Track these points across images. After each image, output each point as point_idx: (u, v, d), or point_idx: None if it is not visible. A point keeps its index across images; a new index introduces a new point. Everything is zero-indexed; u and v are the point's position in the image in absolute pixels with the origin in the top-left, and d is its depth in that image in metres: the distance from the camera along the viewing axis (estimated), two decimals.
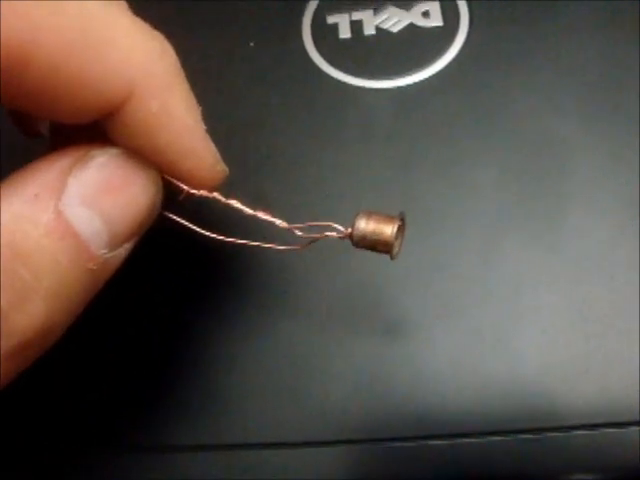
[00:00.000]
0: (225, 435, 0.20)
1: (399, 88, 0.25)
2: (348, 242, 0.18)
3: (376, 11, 0.27)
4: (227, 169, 0.18)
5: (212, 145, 0.17)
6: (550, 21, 0.26)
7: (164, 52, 0.16)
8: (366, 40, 0.27)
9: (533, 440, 0.19)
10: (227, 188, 0.18)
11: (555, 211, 0.22)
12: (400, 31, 0.27)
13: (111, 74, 0.15)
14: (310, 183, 0.24)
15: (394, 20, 0.27)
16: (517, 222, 0.22)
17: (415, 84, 0.25)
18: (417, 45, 0.26)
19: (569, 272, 0.21)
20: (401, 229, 0.18)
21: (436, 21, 0.27)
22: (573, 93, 0.24)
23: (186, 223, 0.18)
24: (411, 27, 0.27)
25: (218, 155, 0.17)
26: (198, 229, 0.18)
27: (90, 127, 0.16)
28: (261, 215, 0.18)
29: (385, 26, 0.27)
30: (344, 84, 0.26)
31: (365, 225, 0.17)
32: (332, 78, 0.26)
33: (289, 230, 0.18)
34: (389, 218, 0.17)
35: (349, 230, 0.17)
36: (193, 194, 0.17)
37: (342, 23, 0.27)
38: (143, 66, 0.15)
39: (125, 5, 0.16)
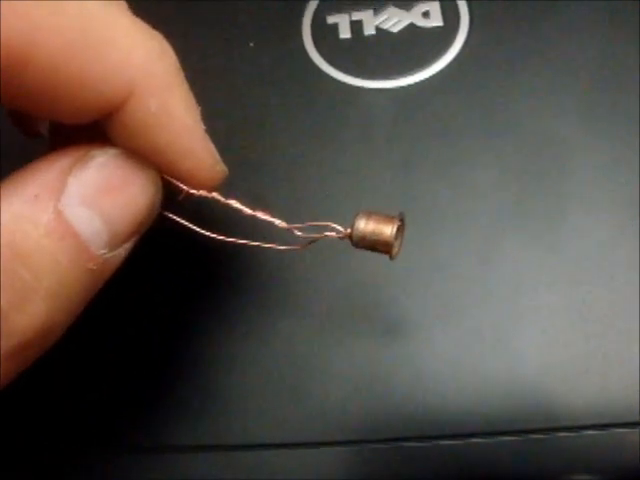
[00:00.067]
0: (225, 435, 0.20)
1: (399, 88, 0.25)
2: (348, 242, 0.18)
3: (376, 11, 0.27)
4: (226, 169, 0.18)
5: (212, 145, 0.17)
6: (550, 21, 0.26)
7: (164, 52, 0.16)
8: (366, 40, 0.27)
9: (532, 440, 0.19)
10: (227, 188, 0.18)
11: (555, 211, 0.22)
12: (400, 31, 0.27)
13: (111, 74, 0.15)
14: (310, 183, 0.24)
15: (394, 20, 0.27)
16: (517, 222, 0.22)
17: (415, 84, 0.25)
18: (417, 45, 0.26)
19: (569, 272, 0.21)
20: (401, 229, 0.18)
21: (436, 21, 0.27)
22: (573, 93, 0.24)
23: (186, 223, 0.18)
24: (411, 27, 0.27)
25: (217, 155, 0.17)
26: (198, 229, 0.18)
27: (90, 127, 0.16)
28: (261, 215, 0.18)
29: (385, 26, 0.27)
30: (344, 84, 0.26)
31: (365, 225, 0.17)
32: (332, 78, 0.26)
33: (289, 230, 0.18)
34: (389, 218, 0.17)
35: (349, 230, 0.17)
36: (192, 194, 0.17)
37: (342, 23, 0.27)
38: (143, 66, 0.15)
39: (125, 5, 0.16)
